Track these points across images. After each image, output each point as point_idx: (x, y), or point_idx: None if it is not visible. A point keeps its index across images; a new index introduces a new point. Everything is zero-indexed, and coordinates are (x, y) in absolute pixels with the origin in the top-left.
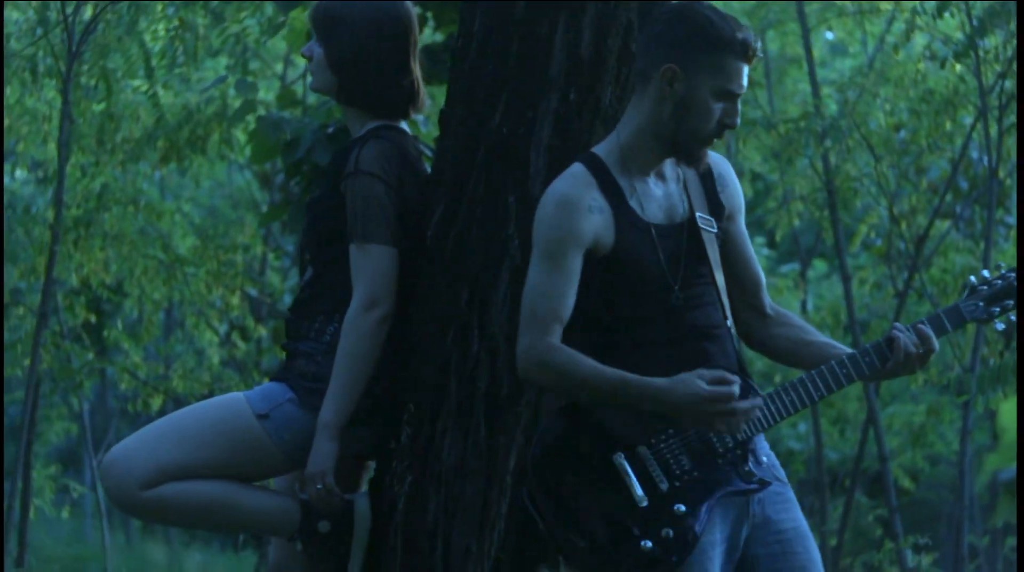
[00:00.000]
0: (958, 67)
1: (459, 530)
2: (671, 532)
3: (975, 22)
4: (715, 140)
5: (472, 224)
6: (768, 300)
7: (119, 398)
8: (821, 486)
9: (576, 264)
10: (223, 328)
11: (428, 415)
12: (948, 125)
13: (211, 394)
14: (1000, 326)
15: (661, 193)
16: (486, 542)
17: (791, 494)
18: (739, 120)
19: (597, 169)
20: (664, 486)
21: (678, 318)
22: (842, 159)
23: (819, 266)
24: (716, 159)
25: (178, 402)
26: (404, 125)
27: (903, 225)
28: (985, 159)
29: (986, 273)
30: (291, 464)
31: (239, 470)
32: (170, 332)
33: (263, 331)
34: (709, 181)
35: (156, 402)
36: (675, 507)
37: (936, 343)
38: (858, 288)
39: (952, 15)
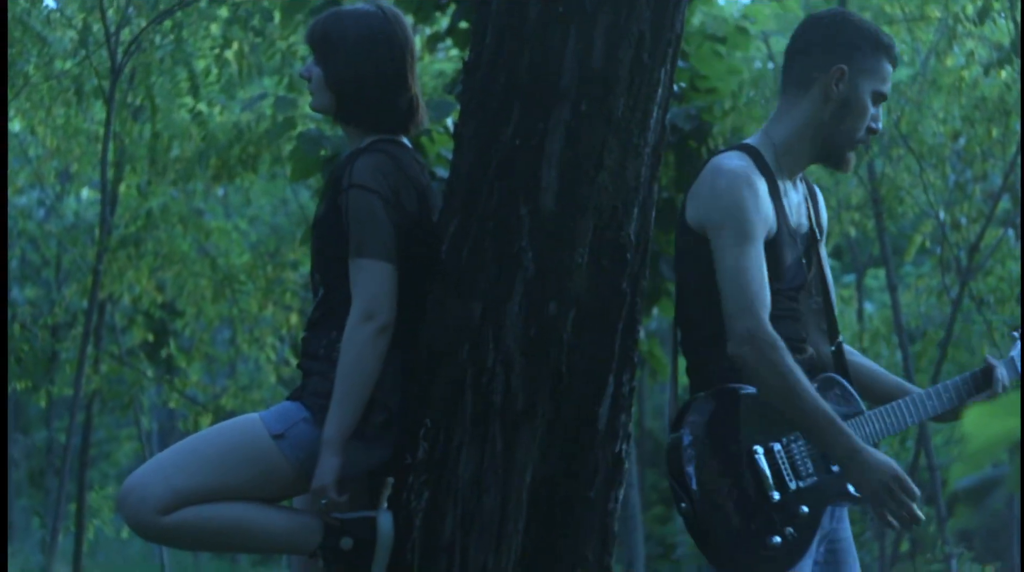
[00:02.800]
0: (1003, 73)
1: (476, 545)
2: (793, 531)
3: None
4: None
5: (485, 237)
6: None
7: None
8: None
9: (763, 249)
10: (279, 346)
11: (444, 430)
12: (995, 132)
13: None
14: None
15: (796, 200)
16: (503, 558)
17: (846, 509)
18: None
19: (759, 160)
20: (793, 485)
21: (812, 319)
22: (890, 168)
23: (881, 276)
24: (810, 179)
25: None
26: (405, 139)
27: (956, 234)
28: None
29: None
30: (308, 483)
31: (257, 491)
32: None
33: None
34: (813, 196)
35: (205, 421)
36: (801, 508)
37: None
38: (912, 297)
39: (1003, 18)
